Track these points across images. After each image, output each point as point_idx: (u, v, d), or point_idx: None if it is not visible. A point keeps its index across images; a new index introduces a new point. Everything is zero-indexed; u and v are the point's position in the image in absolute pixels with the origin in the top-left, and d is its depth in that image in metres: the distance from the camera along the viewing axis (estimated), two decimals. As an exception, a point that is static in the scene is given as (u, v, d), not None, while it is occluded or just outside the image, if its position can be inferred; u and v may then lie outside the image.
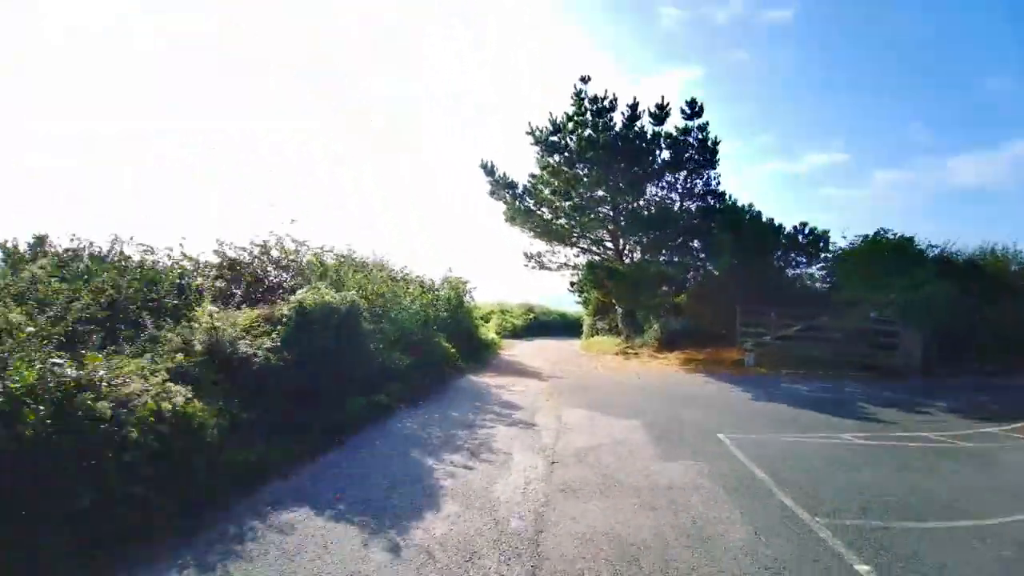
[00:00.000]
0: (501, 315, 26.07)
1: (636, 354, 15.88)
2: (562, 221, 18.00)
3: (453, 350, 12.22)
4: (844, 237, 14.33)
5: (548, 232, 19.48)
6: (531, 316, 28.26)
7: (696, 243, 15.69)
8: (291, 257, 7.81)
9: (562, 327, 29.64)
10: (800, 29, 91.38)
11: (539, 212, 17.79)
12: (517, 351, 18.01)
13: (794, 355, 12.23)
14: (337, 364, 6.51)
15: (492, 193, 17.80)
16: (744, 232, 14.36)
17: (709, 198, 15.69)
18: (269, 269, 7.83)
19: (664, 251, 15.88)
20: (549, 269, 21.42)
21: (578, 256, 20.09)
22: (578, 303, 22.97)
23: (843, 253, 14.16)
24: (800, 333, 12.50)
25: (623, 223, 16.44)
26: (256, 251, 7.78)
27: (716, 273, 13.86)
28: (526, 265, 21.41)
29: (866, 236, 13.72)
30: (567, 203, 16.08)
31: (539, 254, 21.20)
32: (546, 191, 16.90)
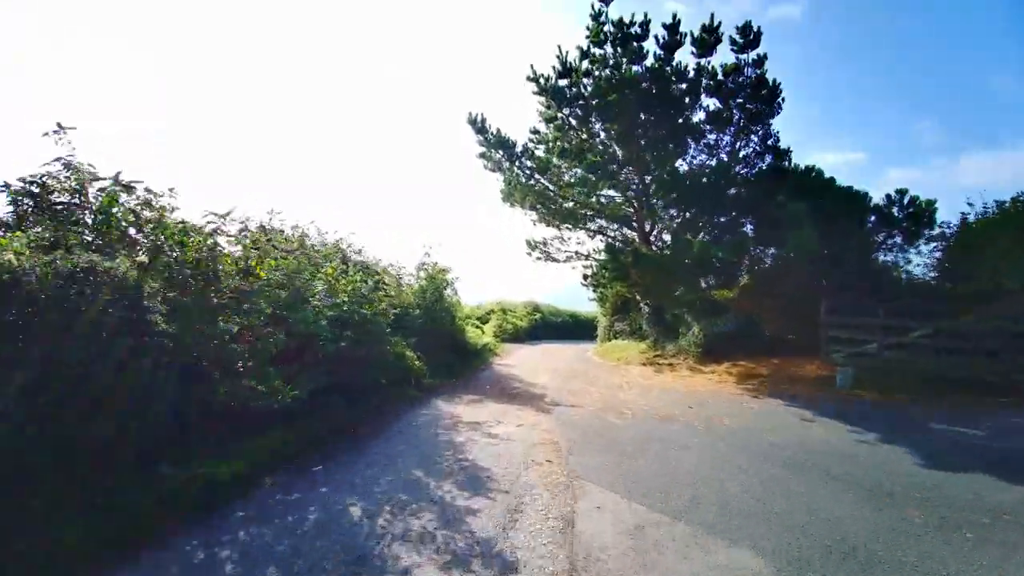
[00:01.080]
0: (502, 315, 22.42)
1: (671, 365, 12.09)
2: (574, 192, 14.28)
3: (419, 363, 8.61)
4: (970, 205, 10.32)
5: (555, 212, 15.80)
6: (537, 316, 24.56)
7: (749, 220, 11.81)
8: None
9: (573, 329, 25.84)
10: (807, 26, 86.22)
11: (543, 184, 14.09)
12: (517, 359, 14.33)
13: (915, 372, 8.34)
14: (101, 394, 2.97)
15: (484, 158, 14.13)
16: (823, 203, 10.48)
17: (768, 157, 11.81)
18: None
19: (708, 230, 12.03)
20: (557, 260, 17.78)
21: (593, 239, 16.38)
22: (592, 300, 19.18)
23: (969, 227, 10.18)
24: (920, 340, 8.60)
25: (653, 193, 12.62)
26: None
27: (790, 255, 9.97)
28: (529, 254, 17.77)
29: (1003, 203, 9.77)
30: (579, 168, 12.31)
31: (544, 242, 17.56)
32: (552, 156, 13.18)
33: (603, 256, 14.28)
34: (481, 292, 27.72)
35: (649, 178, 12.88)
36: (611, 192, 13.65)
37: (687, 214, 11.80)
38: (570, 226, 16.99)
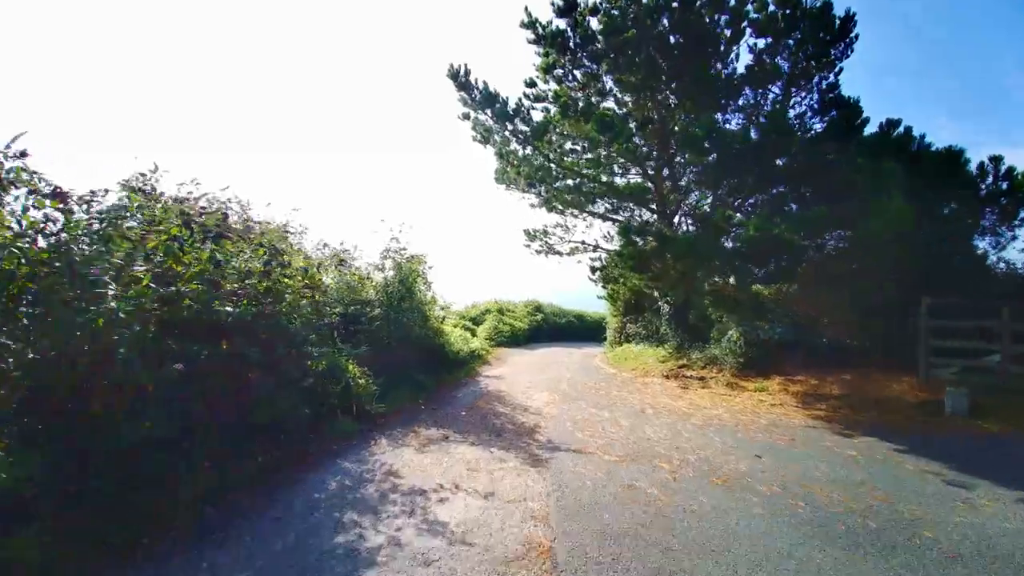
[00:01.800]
0: (498, 315, 19.95)
1: (701, 379, 9.55)
2: (580, 165, 11.79)
3: (363, 381, 6.18)
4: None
5: (557, 194, 13.36)
6: (538, 317, 22.06)
7: (807, 191, 9.23)
8: None
9: (579, 331, 23.34)
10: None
11: (542, 155, 11.60)
12: (512, 368, 11.86)
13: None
14: None
15: (469, 121, 11.65)
16: (917, 168, 7.93)
17: (831, 113, 9.21)
18: None
19: (756, 207, 9.48)
20: (560, 253, 15.36)
21: (604, 223, 13.89)
22: (601, 298, 16.66)
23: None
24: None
25: (678, 163, 10.11)
26: None
27: (868, 236, 7.37)
28: (527, 246, 15.31)
29: None
30: (586, 129, 9.80)
31: (545, 231, 15.11)
32: (552, 117, 10.67)
33: (616, 243, 11.80)
34: (482, 292, 25.37)
35: (674, 144, 10.35)
36: (624, 162, 11.12)
37: (726, 185, 9.25)
38: (575, 211, 14.55)
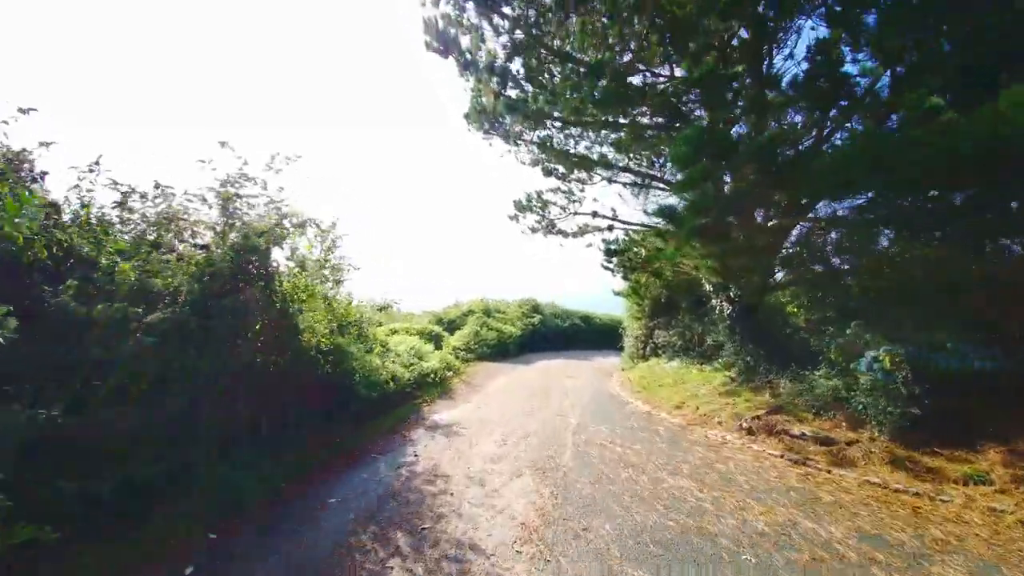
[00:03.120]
0: (483, 317, 15.56)
1: (825, 442, 5.12)
2: (599, 91, 7.32)
3: None
4: None
5: (557, 151, 9.13)
6: (535, 320, 17.62)
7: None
8: None
9: (586, 336, 18.91)
10: None
11: (531, 62, 7.19)
12: (483, 402, 7.46)
13: None
14: None
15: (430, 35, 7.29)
16: None
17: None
18: None
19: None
20: (563, 233, 11.05)
21: (626, 187, 9.58)
22: (619, 294, 12.23)
23: None
24: None
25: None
26: None
27: None
28: (515, 218, 10.93)
29: None
30: (603, 30, 5.33)
31: (541, 197, 10.73)
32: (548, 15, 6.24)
33: (652, 204, 7.41)
34: (472, 292, 21.08)
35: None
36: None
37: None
38: (583, 173, 10.18)
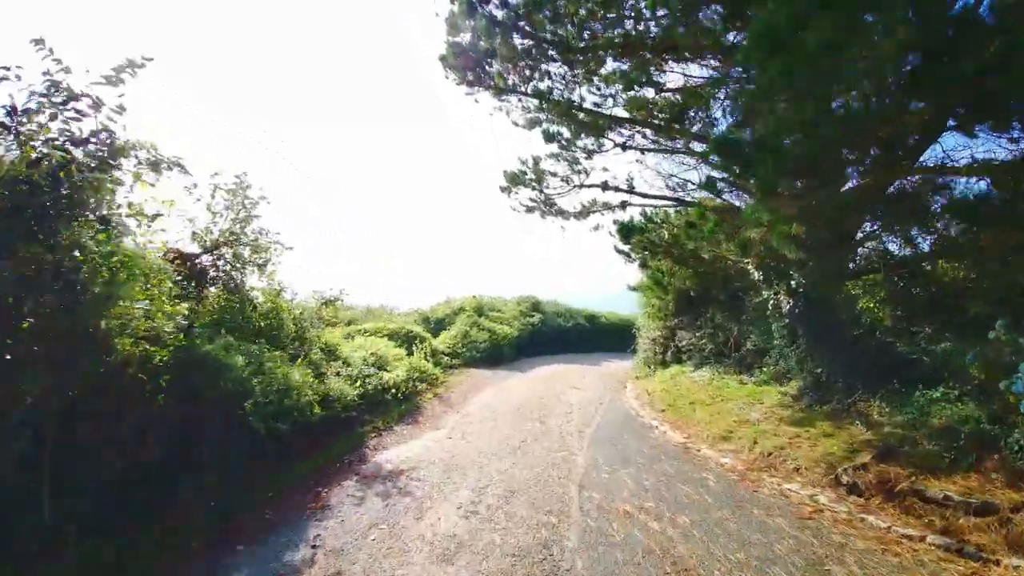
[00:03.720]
0: (474, 316, 13.60)
1: (977, 516, 3.13)
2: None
3: None
4: None
5: (557, 104, 7.28)
6: (534, 319, 15.62)
7: None
8: None
9: (592, 337, 16.83)
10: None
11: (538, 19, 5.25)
12: (458, 429, 5.46)
13: None
14: None
15: None
16: None
17: None
18: None
19: None
20: (564, 214, 9.17)
21: (630, 147, 7.69)
22: (634, 289, 10.20)
23: None
24: None
25: None
26: None
27: None
28: (506, 190, 8.95)
29: None
30: None
31: (538, 169, 8.78)
32: None
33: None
34: (468, 290, 19.09)
35: None
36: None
37: None
38: (590, 139, 8.23)
